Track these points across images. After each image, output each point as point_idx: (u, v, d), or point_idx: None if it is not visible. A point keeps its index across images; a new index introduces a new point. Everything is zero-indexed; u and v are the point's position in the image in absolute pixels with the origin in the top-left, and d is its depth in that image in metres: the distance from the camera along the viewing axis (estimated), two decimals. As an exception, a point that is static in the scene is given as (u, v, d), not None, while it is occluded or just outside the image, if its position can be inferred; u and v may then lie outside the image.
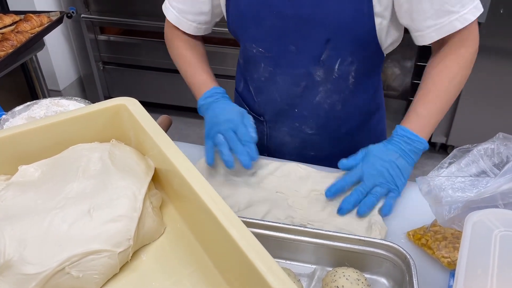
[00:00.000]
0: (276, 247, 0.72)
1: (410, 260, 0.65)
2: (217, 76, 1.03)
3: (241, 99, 1.08)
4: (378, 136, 1.09)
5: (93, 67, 2.76)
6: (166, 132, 1.07)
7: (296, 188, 0.88)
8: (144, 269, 0.62)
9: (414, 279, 0.63)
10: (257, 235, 0.71)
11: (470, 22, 0.82)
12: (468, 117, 2.33)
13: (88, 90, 2.92)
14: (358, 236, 0.69)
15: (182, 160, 0.65)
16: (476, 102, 2.27)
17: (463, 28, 0.83)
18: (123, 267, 0.62)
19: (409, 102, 2.49)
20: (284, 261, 0.74)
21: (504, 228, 0.50)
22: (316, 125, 0.99)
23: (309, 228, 0.70)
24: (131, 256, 0.62)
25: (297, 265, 0.73)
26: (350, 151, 0.93)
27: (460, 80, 0.88)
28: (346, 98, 0.96)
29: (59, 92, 2.77)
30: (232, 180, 0.89)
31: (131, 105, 0.77)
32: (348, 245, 0.69)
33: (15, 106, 0.94)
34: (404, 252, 0.66)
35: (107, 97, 2.86)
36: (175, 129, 2.77)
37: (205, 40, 1.08)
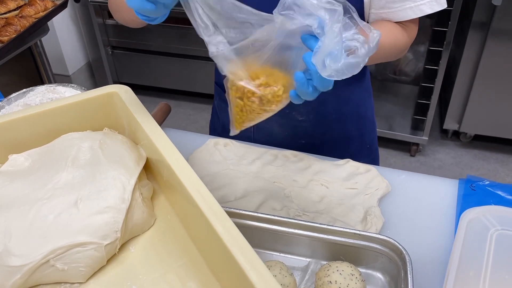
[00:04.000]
0: (270, 239, 0.71)
1: (406, 256, 0.62)
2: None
3: (221, 90, 1.04)
4: (370, 125, 1.06)
5: (101, 51, 2.75)
6: (165, 119, 1.05)
7: (294, 177, 0.86)
8: (132, 261, 0.61)
9: (409, 275, 0.61)
10: (250, 227, 0.70)
11: (424, 14, 0.79)
12: (481, 103, 2.27)
13: (97, 75, 2.92)
14: (353, 229, 0.67)
15: (171, 150, 0.63)
16: (489, 88, 2.20)
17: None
18: (110, 259, 0.61)
19: (421, 88, 2.43)
20: (278, 253, 0.72)
21: (501, 226, 0.47)
22: (306, 110, 0.95)
23: (303, 220, 0.68)
24: (119, 248, 0.61)
25: (291, 258, 0.71)
26: (341, 139, 0.90)
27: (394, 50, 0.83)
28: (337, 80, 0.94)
29: (68, 77, 2.77)
30: (229, 169, 0.88)
31: (123, 93, 0.76)
32: (343, 239, 0.67)
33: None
34: (400, 247, 0.64)
35: (116, 82, 2.85)
36: (184, 114, 2.78)
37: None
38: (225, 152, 0.92)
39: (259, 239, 0.71)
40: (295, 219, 0.69)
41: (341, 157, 0.97)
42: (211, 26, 0.58)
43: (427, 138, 2.38)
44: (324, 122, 0.98)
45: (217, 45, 0.59)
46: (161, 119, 1.02)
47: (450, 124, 2.43)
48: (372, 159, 1.10)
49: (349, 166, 0.88)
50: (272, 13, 0.56)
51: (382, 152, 2.49)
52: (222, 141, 0.94)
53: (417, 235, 0.76)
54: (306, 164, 0.88)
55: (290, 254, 0.72)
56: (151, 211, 0.67)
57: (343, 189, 0.83)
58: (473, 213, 0.48)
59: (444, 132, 2.56)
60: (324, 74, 0.54)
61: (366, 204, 0.80)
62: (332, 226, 0.68)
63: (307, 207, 0.79)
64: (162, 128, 1.03)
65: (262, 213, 0.70)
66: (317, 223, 0.68)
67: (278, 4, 0.55)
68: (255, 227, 0.70)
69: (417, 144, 2.43)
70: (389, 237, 0.66)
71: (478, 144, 2.50)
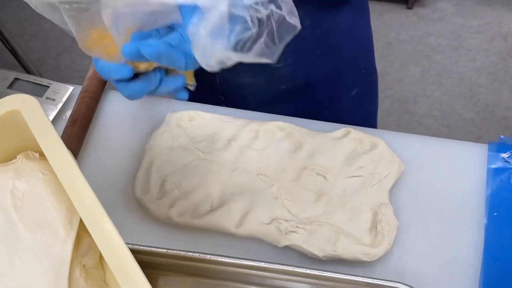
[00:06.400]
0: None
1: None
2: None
3: None
4: (365, 44, 0.84)
5: None
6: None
7: (282, 165, 0.67)
8: None
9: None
10: (237, 274, 0.56)
11: None
12: None
13: None
14: (365, 278, 0.53)
15: (81, 189, 0.45)
16: None
17: None
18: None
19: None
20: (270, 289, 0.59)
21: None
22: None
23: (300, 267, 0.54)
24: None
25: (287, 293, 0.59)
26: (328, 74, 0.76)
27: None
28: (314, 12, 0.70)
29: None
30: (199, 160, 0.68)
31: (27, 110, 0.52)
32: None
33: None
34: (423, 300, 0.51)
35: None
36: None
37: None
38: (192, 130, 0.71)
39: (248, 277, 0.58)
40: (291, 267, 0.54)
41: (331, 94, 0.81)
42: None
43: (427, -13, 2.07)
44: (306, 61, 0.77)
45: None
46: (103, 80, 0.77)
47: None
48: (369, 83, 0.90)
49: (349, 140, 0.69)
50: None
51: (376, 7, 2.19)
52: (186, 114, 0.72)
53: (435, 241, 0.62)
54: (296, 142, 0.69)
55: (285, 290, 0.59)
56: (101, 283, 0.51)
57: (345, 178, 0.66)
58: None
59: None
60: None
61: (375, 200, 0.64)
62: (337, 273, 0.53)
63: (301, 211, 0.63)
64: (105, 91, 0.80)
65: (247, 260, 0.54)
66: (318, 270, 0.53)
67: None
68: (241, 273, 0.55)
69: (415, -5, 2.13)
70: (408, 286, 0.52)
71: (484, -15, 2.20)
